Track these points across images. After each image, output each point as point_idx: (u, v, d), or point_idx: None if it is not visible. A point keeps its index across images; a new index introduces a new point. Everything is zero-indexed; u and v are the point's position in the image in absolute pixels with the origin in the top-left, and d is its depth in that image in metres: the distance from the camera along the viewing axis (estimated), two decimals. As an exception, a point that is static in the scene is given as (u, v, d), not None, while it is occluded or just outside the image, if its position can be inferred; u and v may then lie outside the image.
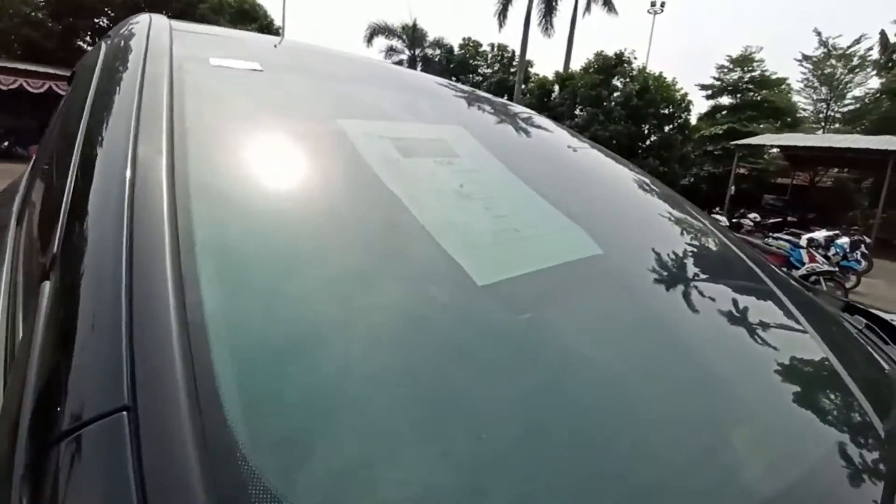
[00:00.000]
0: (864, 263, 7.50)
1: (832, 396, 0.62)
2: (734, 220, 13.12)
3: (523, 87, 20.88)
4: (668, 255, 0.78)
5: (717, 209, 13.91)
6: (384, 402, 0.40)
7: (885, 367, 0.75)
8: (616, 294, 0.66)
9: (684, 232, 0.94)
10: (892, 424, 0.58)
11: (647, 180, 1.14)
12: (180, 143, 0.56)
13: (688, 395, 0.54)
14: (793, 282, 0.98)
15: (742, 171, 16.58)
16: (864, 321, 0.88)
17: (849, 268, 6.88)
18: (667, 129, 17.84)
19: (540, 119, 1.29)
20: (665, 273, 0.74)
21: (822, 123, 20.87)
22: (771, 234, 8.30)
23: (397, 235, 0.59)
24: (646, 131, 17.80)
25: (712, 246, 0.93)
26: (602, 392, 0.50)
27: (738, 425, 0.53)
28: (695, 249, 0.88)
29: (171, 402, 0.31)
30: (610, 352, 0.55)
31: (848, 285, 6.39)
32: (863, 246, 7.80)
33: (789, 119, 18.91)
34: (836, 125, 20.27)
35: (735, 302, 0.74)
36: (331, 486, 0.33)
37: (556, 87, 19.70)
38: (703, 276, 0.80)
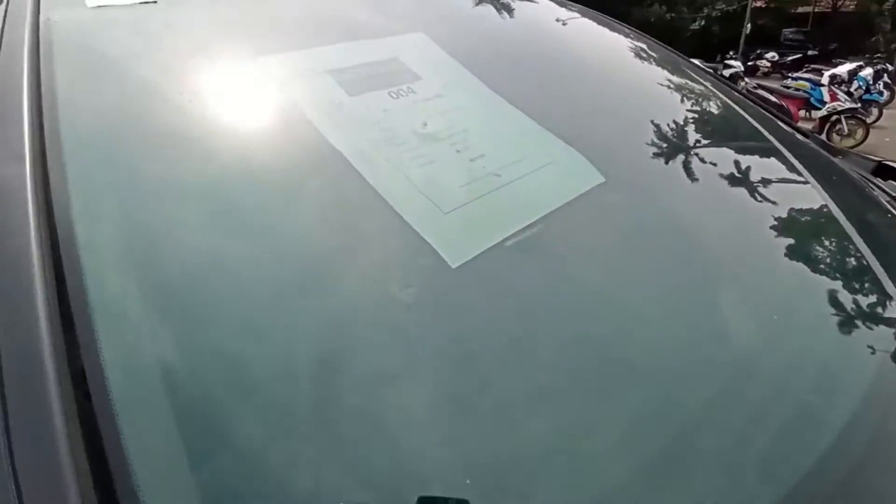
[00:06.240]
0: (885, 94, 7.18)
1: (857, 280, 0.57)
2: (749, 64, 12.28)
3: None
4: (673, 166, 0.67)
5: (731, 53, 12.87)
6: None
7: None
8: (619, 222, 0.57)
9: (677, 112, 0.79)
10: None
11: (645, 46, 0.98)
12: (51, 129, 0.43)
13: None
14: (810, 143, 0.88)
15: (759, 3, 15.08)
16: None
17: (871, 101, 6.58)
18: (675, -36, 15.84)
19: None
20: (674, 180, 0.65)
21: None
22: (790, 74, 7.89)
23: (345, 212, 0.47)
24: (652, -30, 15.85)
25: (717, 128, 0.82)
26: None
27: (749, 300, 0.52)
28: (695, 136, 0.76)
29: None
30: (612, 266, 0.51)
31: (869, 120, 6.21)
32: (885, 75, 7.40)
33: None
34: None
35: (744, 188, 0.66)
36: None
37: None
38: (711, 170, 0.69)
